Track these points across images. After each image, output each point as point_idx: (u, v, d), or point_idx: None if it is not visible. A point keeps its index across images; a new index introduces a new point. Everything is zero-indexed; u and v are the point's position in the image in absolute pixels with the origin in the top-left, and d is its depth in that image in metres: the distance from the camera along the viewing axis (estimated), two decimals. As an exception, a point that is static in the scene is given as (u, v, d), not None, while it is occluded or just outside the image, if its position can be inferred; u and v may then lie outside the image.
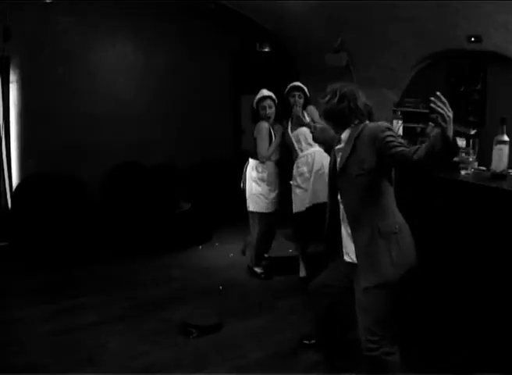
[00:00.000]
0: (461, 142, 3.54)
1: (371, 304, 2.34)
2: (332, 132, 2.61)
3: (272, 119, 4.22)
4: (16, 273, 4.45)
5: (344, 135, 2.43)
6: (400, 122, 4.14)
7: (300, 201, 4.10)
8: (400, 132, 4.11)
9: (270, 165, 4.28)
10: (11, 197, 5.12)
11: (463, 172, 3.07)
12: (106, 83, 5.54)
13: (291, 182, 4.20)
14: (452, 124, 1.91)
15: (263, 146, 4.18)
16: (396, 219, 2.38)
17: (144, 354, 3.14)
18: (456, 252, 2.99)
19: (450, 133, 1.91)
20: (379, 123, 2.32)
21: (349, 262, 2.47)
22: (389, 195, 2.38)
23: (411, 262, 2.37)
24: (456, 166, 3.14)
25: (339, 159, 2.46)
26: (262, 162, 4.23)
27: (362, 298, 2.38)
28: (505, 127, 2.88)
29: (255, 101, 4.24)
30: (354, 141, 2.33)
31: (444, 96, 1.92)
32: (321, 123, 3.41)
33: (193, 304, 3.86)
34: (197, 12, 5.92)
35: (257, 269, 4.43)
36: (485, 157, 3.12)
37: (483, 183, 2.84)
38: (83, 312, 3.69)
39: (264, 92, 4.23)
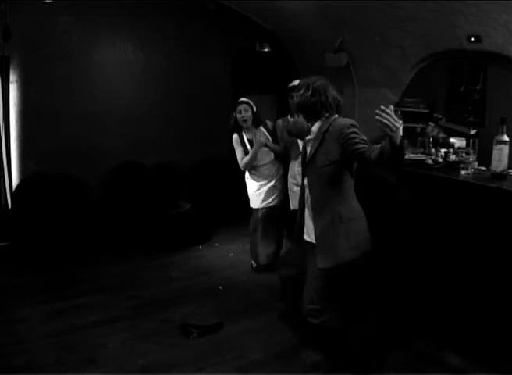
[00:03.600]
0: (461, 142, 3.55)
1: (321, 281, 2.60)
2: (304, 124, 2.79)
3: (248, 123, 4.35)
4: (16, 273, 4.45)
5: (315, 127, 2.65)
6: (400, 122, 4.13)
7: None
8: (400, 132, 4.11)
9: (262, 168, 4.41)
10: (11, 197, 5.12)
11: (463, 172, 3.07)
12: (106, 83, 5.54)
13: (289, 179, 4.25)
14: (399, 132, 2.15)
15: (238, 157, 4.41)
16: (354, 207, 2.64)
17: (144, 354, 3.14)
18: (457, 252, 2.99)
19: (398, 139, 2.15)
20: (347, 119, 2.55)
21: (307, 242, 2.72)
22: (349, 185, 2.63)
23: (366, 246, 2.62)
24: (457, 166, 3.15)
25: (308, 149, 2.68)
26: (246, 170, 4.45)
27: (315, 275, 2.63)
28: (505, 127, 2.88)
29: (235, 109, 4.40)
30: (323, 134, 2.56)
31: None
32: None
33: (193, 304, 3.86)
34: (197, 11, 5.92)
35: (253, 262, 4.59)
36: (485, 157, 3.12)
37: (483, 183, 2.84)
38: (83, 312, 3.69)
39: (241, 98, 4.43)
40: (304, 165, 2.75)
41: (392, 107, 2.14)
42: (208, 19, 5.99)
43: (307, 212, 2.73)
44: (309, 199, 2.68)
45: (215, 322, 3.50)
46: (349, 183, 2.61)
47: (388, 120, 2.11)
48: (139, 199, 5.42)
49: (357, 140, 2.41)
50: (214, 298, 4.01)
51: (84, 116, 5.39)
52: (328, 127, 2.54)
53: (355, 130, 2.46)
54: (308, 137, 2.70)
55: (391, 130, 2.12)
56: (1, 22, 4.52)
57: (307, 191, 2.70)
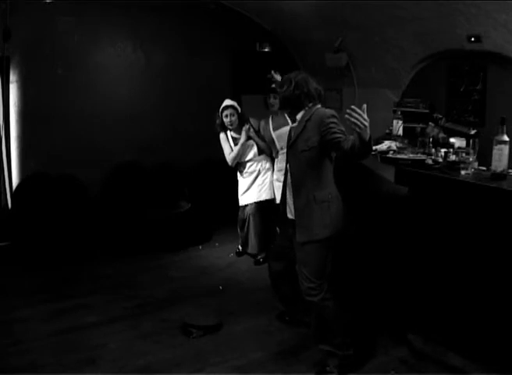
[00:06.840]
0: (461, 142, 3.55)
1: (306, 256, 2.81)
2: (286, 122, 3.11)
3: (235, 126, 4.59)
4: (16, 273, 4.45)
5: (299, 116, 2.85)
6: (400, 122, 4.13)
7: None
8: (400, 132, 4.11)
9: (247, 164, 4.70)
10: (11, 197, 5.12)
11: (463, 172, 3.06)
12: (106, 83, 5.54)
13: (274, 175, 4.56)
14: (368, 129, 2.30)
15: (225, 152, 4.66)
16: (330, 190, 2.84)
17: (144, 354, 3.15)
18: (457, 252, 2.99)
19: (366, 136, 2.33)
20: (327, 110, 2.75)
21: (291, 220, 2.92)
22: (327, 170, 2.82)
23: (339, 225, 2.83)
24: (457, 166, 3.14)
25: (292, 135, 2.89)
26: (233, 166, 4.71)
27: (300, 252, 2.86)
28: (505, 127, 2.88)
29: (219, 110, 4.56)
30: (305, 122, 2.77)
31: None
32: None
33: (193, 304, 3.86)
34: (198, 12, 5.92)
35: (239, 247, 4.98)
36: (485, 157, 3.12)
37: (483, 183, 2.84)
38: (83, 312, 3.70)
39: (227, 102, 4.56)
40: (287, 150, 2.98)
41: (364, 106, 2.31)
42: (208, 19, 5.99)
43: (288, 194, 2.96)
44: (290, 182, 2.91)
45: (215, 322, 3.50)
46: (327, 169, 2.82)
47: (357, 119, 2.28)
48: (139, 199, 5.42)
49: (335, 130, 2.61)
50: (214, 298, 4.01)
51: (84, 116, 5.39)
52: (311, 116, 2.75)
53: (335, 120, 2.66)
54: (292, 125, 2.94)
55: (359, 128, 2.30)
56: (1, 22, 4.52)
57: (289, 174, 2.92)
